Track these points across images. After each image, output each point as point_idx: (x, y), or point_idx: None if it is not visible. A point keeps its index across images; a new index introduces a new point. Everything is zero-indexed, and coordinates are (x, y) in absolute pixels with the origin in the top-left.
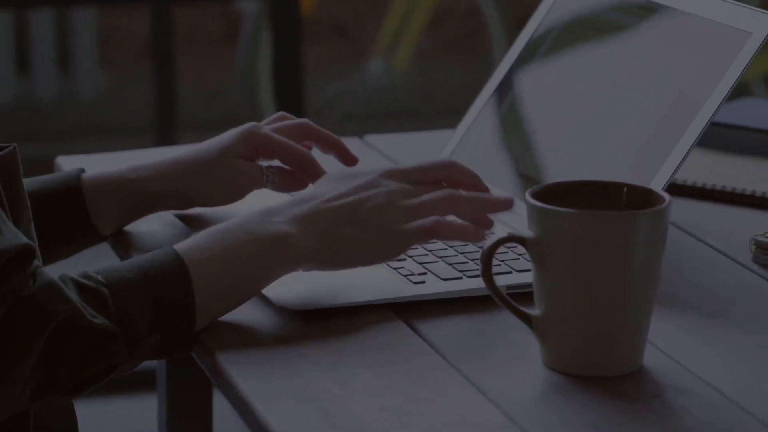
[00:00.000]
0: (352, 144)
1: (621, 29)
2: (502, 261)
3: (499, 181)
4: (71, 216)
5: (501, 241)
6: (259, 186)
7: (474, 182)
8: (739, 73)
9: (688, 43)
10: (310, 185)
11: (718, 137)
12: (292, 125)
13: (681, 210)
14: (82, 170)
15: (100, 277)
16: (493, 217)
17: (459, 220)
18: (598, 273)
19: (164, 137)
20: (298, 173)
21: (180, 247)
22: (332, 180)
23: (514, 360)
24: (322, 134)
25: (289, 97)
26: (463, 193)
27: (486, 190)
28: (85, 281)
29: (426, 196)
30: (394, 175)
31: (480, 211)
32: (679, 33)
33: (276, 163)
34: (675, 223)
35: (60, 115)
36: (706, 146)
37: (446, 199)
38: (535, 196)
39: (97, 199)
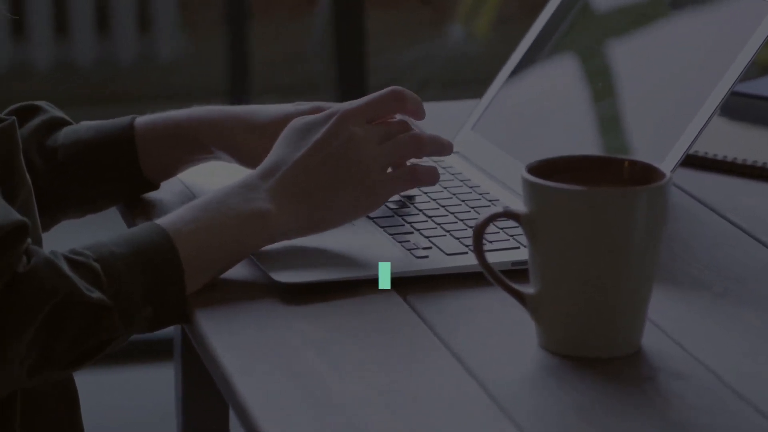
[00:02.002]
0: None
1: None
2: (511, 236)
3: (521, 153)
4: (121, 167)
5: (493, 217)
6: None
7: (417, 108)
8: (759, 45)
9: (709, 14)
10: (275, 147)
11: (748, 109)
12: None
13: (704, 183)
14: (135, 117)
15: (89, 252)
16: (505, 190)
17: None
18: (593, 251)
19: (239, 101)
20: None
21: (163, 221)
22: (291, 138)
23: (510, 340)
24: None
25: (352, 64)
26: (423, 134)
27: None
28: (75, 257)
29: (393, 143)
30: (350, 117)
31: (438, 152)
32: (700, 3)
33: None
34: (696, 197)
35: (139, 77)
36: (736, 118)
37: (412, 144)
38: (533, 170)
39: (148, 147)
